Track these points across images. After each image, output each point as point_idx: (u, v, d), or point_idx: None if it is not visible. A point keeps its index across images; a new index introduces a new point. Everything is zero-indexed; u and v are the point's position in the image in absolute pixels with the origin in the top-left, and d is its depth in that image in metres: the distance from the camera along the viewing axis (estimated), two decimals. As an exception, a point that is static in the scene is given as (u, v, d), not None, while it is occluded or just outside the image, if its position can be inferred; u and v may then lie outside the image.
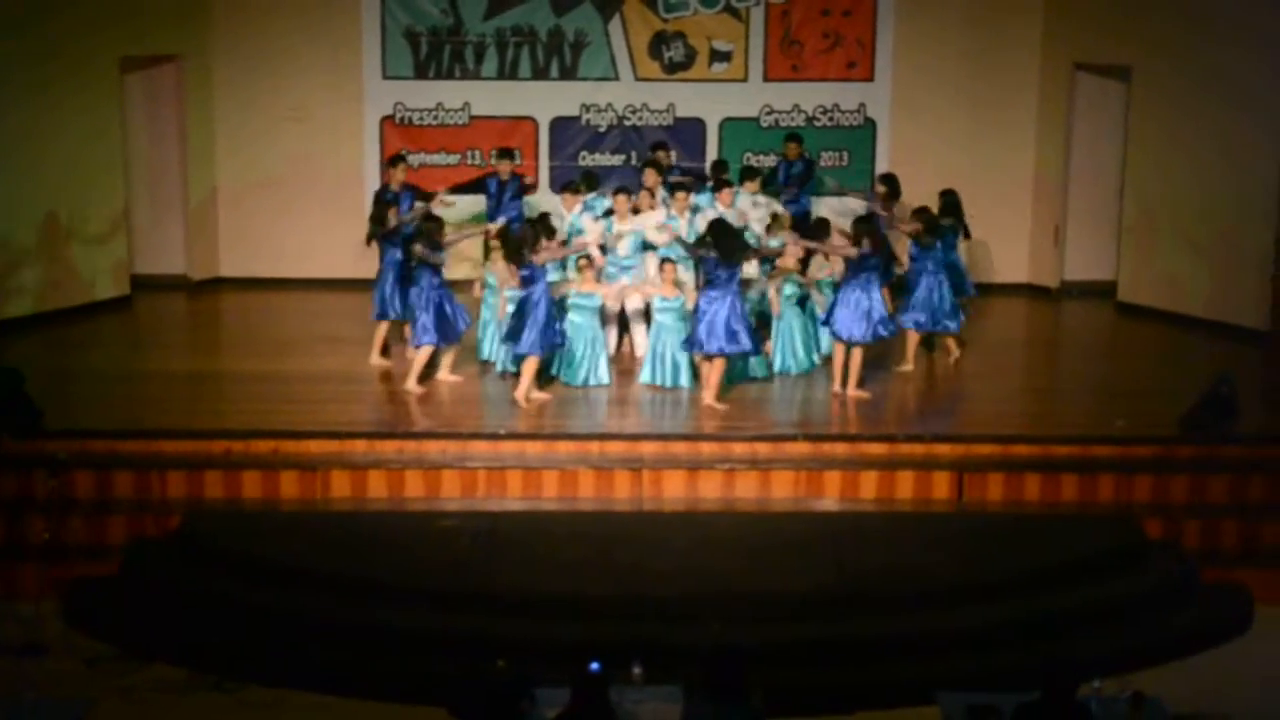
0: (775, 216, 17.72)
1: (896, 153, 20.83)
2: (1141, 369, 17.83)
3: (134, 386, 16.54)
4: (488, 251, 17.69)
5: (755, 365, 16.42)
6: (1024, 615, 12.65)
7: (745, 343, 15.46)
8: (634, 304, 17.04)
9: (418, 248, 15.80)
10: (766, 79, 20.97)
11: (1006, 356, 18.38)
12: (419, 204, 17.27)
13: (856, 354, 15.86)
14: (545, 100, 20.99)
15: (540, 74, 20.93)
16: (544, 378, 15.94)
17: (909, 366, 16.93)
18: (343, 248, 19.51)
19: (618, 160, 20.68)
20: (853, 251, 15.68)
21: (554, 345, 15.62)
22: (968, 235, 18.02)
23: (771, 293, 16.57)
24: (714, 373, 15.56)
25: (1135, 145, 19.90)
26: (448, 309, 15.88)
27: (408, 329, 16.33)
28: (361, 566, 12.91)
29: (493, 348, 16.66)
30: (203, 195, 20.97)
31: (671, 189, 17.41)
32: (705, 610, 12.32)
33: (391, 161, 18.06)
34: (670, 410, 15.73)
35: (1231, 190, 18.72)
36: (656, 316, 16.28)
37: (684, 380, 16.09)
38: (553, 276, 16.09)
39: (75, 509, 14.11)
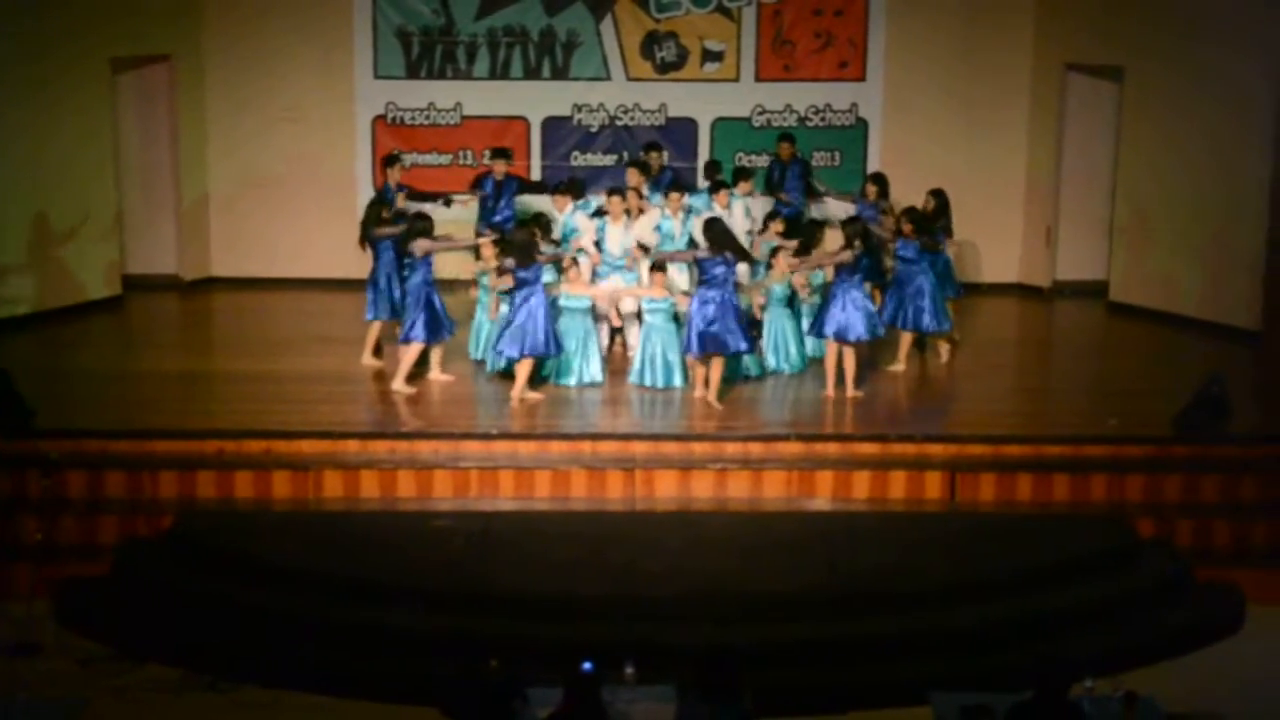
0: (769, 216, 17.78)
1: (888, 153, 20.84)
2: (1133, 369, 17.85)
3: (126, 386, 16.53)
4: (477, 254, 17.66)
5: (748, 363, 16.43)
6: (1017, 615, 12.66)
7: (743, 342, 15.50)
8: (627, 306, 17.05)
9: (424, 242, 15.80)
10: (758, 79, 20.98)
11: (998, 356, 18.40)
12: (410, 204, 17.23)
13: (851, 354, 15.88)
14: (537, 100, 20.99)
15: (532, 74, 20.93)
16: (536, 380, 15.91)
17: (901, 366, 16.94)
18: (335, 248, 19.48)
19: (610, 160, 20.68)
20: (848, 255, 15.68)
21: (547, 350, 15.60)
22: (950, 234, 18.01)
23: (756, 297, 16.57)
24: (713, 371, 15.57)
25: (1127, 145, 19.92)
26: (438, 307, 15.88)
27: (399, 329, 16.31)
28: (354, 566, 12.90)
29: (483, 348, 16.66)
30: (195, 195, 20.96)
31: (666, 190, 17.41)
32: (698, 610, 12.33)
33: (388, 161, 18.05)
34: (662, 410, 15.73)
35: (1223, 190, 18.75)
36: (646, 317, 16.28)
37: (675, 380, 16.09)
38: (547, 278, 16.08)
39: (67, 509, 14.10)
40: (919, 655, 12.19)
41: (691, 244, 16.60)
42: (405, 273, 15.92)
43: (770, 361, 16.67)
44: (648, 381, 16.13)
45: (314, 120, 20.89)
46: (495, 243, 16.63)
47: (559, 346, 15.73)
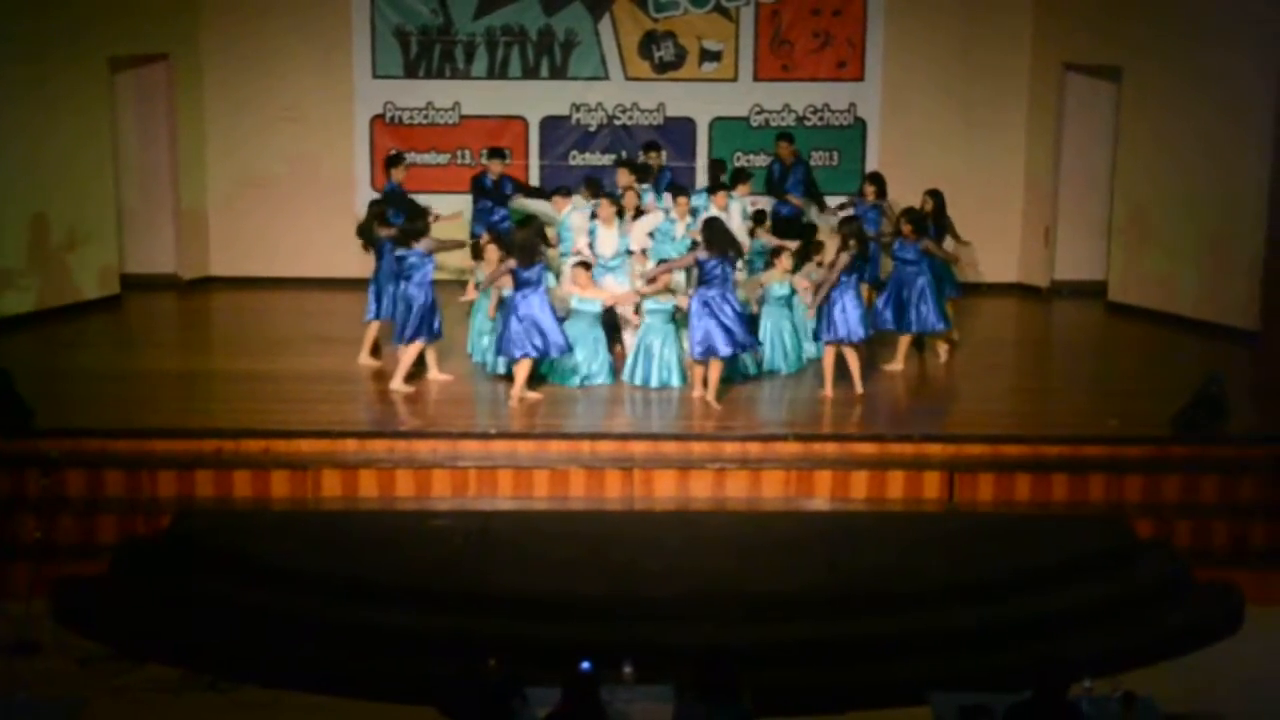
0: (757, 217, 17.80)
1: (886, 153, 20.85)
2: (1132, 369, 17.86)
3: (125, 385, 16.52)
4: (476, 253, 17.67)
5: (746, 362, 16.43)
6: (1015, 615, 12.67)
7: (743, 342, 15.52)
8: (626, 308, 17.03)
9: (426, 241, 15.81)
10: (756, 79, 20.99)
11: (997, 356, 18.41)
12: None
13: (854, 354, 15.89)
14: (535, 100, 21.00)
15: (530, 73, 20.94)
16: (535, 380, 15.90)
17: (899, 366, 16.94)
18: (334, 247, 19.50)
19: (608, 160, 20.65)
20: (845, 258, 15.67)
21: (560, 349, 15.61)
22: (959, 238, 18.00)
23: (754, 291, 16.60)
24: (712, 371, 15.58)
25: (1126, 145, 19.92)
26: (436, 306, 15.89)
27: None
28: (352, 566, 12.90)
29: (485, 348, 16.66)
30: (193, 194, 20.96)
31: (674, 192, 17.37)
32: (696, 610, 12.34)
33: (392, 161, 18.08)
34: (661, 410, 15.73)
35: (1221, 190, 18.75)
36: (646, 317, 16.27)
37: (674, 380, 16.10)
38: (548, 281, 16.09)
39: (66, 508, 14.09)
40: (918, 655, 12.19)
41: (691, 245, 16.59)
42: (408, 272, 15.86)
43: (767, 361, 16.68)
44: (640, 380, 16.13)
45: (313, 119, 20.89)
46: (494, 241, 16.64)
47: (568, 346, 15.74)
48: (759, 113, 21.01)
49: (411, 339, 15.87)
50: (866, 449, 14.86)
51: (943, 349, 17.45)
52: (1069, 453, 14.79)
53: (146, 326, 19.61)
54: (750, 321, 16.32)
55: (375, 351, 16.92)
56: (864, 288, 16.90)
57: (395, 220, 16.50)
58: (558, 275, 16.79)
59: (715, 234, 15.52)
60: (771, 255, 16.79)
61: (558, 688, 9.56)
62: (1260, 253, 18.07)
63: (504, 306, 15.81)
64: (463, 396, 16.10)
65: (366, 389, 16.32)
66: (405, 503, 14.36)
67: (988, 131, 20.93)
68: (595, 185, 17.78)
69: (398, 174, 17.82)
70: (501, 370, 16.08)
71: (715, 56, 20.95)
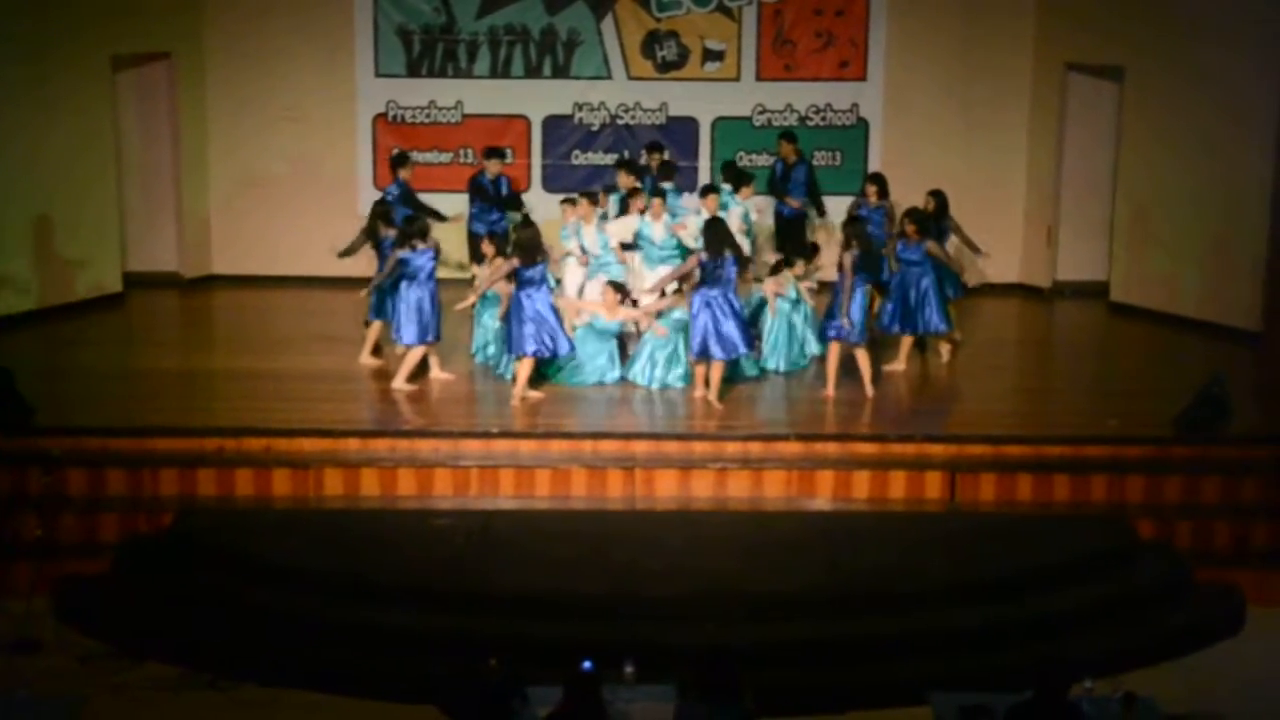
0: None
1: (889, 153, 20.84)
2: (1133, 369, 17.85)
3: (127, 384, 16.54)
4: (474, 254, 17.71)
5: (745, 364, 16.43)
6: (1016, 615, 12.67)
7: (743, 344, 15.51)
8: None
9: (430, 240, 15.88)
10: (759, 78, 20.99)
11: (999, 356, 18.40)
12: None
13: (865, 354, 15.88)
14: (538, 99, 21.00)
15: (533, 72, 20.94)
16: (537, 379, 15.90)
17: (901, 366, 16.93)
18: (336, 246, 19.43)
19: (610, 159, 20.64)
20: (848, 258, 15.65)
21: (566, 349, 15.62)
22: (973, 245, 17.96)
23: (770, 299, 16.61)
24: (714, 371, 15.58)
25: (1127, 145, 19.92)
26: (437, 307, 15.88)
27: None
28: (354, 565, 12.90)
29: (493, 349, 16.66)
30: (195, 193, 20.97)
31: (704, 192, 17.34)
32: (698, 609, 12.34)
33: (399, 161, 18.09)
34: (663, 409, 15.74)
35: (1223, 190, 18.74)
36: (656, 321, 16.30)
37: (676, 380, 16.09)
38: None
39: (68, 506, 14.10)
40: (919, 655, 12.20)
41: (677, 246, 16.63)
42: (412, 273, 15.82)
43: (769, 361, 16.69)
44: (644, 380, 16.13)
45: (315, 118, 20.90)
46: (491, 242, 16.65)
47: (571, 345, 15.74)
48: (761, 112, 21.01)
49: (412, 342, 15.85)
50: (868, 449, 14.86)
51: (945, 349, 17.44)
52: (1071, 453, 14.79)
53: (148, 325, 19.62)
54: (752, 321, 16.34)
55: (377, 351, 16.92)
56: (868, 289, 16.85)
57: (399, 220, 16.52)
58: (559, 280, 16.79)
59: (715, 234, 15.51)
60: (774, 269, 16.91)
61: (559, 687, 9.55)
62: (1263, 253, 18.06)
63: (510, 306, 15.80)
64: (464, 396, 16.11)
65: (368, 388, 16.32)
66: (407, 502, 14.36)
67: (990, 131, 20.93)
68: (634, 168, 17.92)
69: (405, 173, 17.85)
70: (508, 373, 16.05)
71: (718, 56, 20.95)
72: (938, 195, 17.54)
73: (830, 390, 15.94)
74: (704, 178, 20.37)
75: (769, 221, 19.69)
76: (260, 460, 14.49)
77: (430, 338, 15.89)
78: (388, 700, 11.77)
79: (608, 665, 9.94)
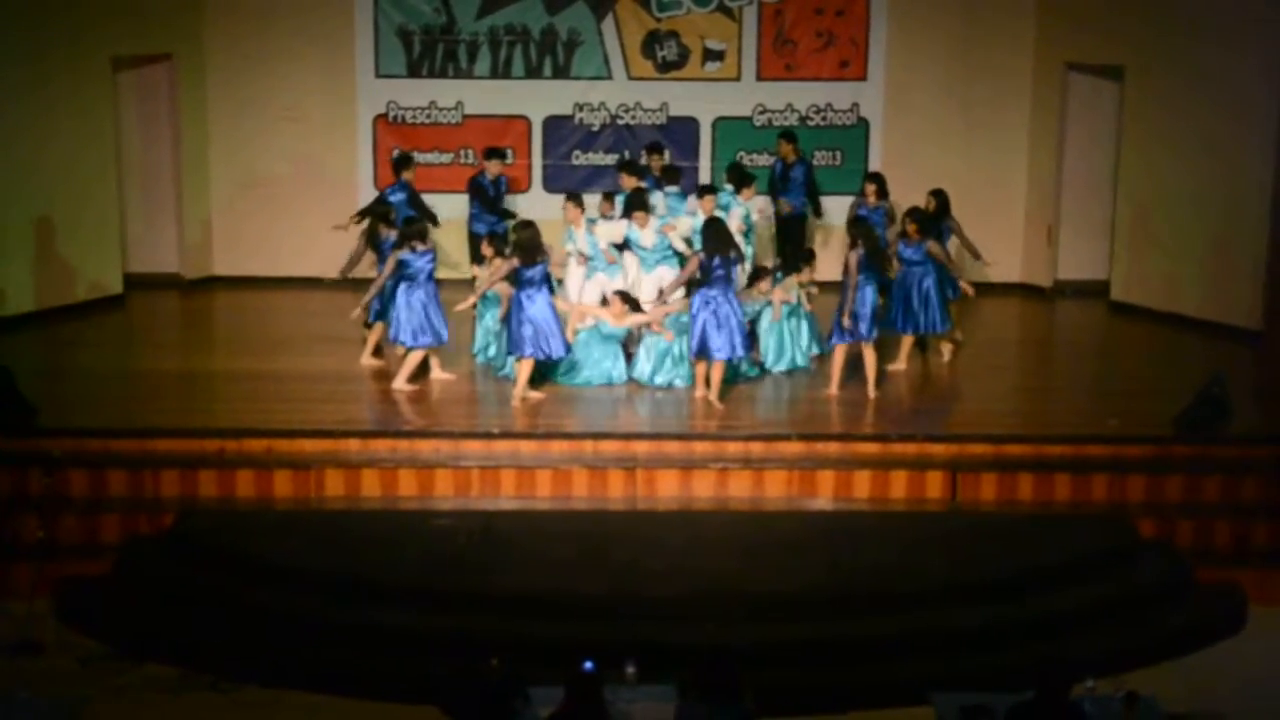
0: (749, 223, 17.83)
1: (889, 153, 20.85)
2: (1134, 368, 17.85)
3: (128, 385, 16.54)
4: (475, 255, 17.71)
5: (745, 366, 16.41)
6: (1018, 615, 12.67)
7: (741, 346, 15.52)
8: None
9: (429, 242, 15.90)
10: (760, 78, 20.99)
11: (1000, 356, 18.40)
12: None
13: (871, 356, 15.87)
14: (538, 99, 21.00)
15: (533, 73, 20.94)
16: (538, 379, 15.89)
17: (901, 366, 16.93)
18: (337, 247, 19.42)
19: (611, 160, 20.66)
20: (854, 257, 15.66)
21: (561, 351, 15.62)
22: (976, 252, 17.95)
23: (775, 305, 16.61)
24: (715, 371, 15.58)
25: (1128, 145, 19.92)
26: (438, 309, 15.89)
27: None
28: (355, 565, 12.90)
29: (493, 349, 16.66)
30: (196, 194, 20.97)
31: (701, 192, 17.34)
32: (699, 610, 12.33)
33: (403, 162, 18.11)
34: (664, 409, 15.73)
35: (1224, 190, 18.75)
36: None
37: (678, 380, 16.09)
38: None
39: (69, 507, 14.10)
40: (920, 655, 12.19)
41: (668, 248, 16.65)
42: (411, 274, 15.80)
43: (770, 361, 16.69)
44: (647, 379, 16.13)
45: (315, 119, 20.91)
46: (491, 243, 16.64)
47: (567, 347, 15.74)
48: (762, 112, 21.01)
49: (410, 343, 15.84)
50: (869, 449, 14.86)
51: (946, 349, 17.44)
52: (1072, 453, 14.79)
53: (149, 326, 19.62)
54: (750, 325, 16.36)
55: (378, 352, 16.92)
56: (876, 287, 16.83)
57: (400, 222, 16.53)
58: (561, 281, 16.79)
59: (714, 234, 15.50)
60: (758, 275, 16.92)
61: (560, 687, 9.55)
62: (1263, 252, 18.06)
63: (510, 306, 15.80)
64: (465, 396, 16.11)
65: (369, 388, 16.32)
66: (408, 502, 14.36)
67: (990, 131, 20.93)
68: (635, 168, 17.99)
69: (408, 174, 17.87)
70: (512, 373, 16.05)
71: (718, 56, 20.95)
72: (939, 195, 17.53)
73: (834, 389, 15.93)
74: (704, 178, 20.36)
75: (770, 222, 19.67)
76: (261, 461, 14.49)
77: (430, 340, 15.86)
78: (389, 701, 11.77)
79: (609, 665, 9.94)
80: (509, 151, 20.07)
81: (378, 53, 20.89)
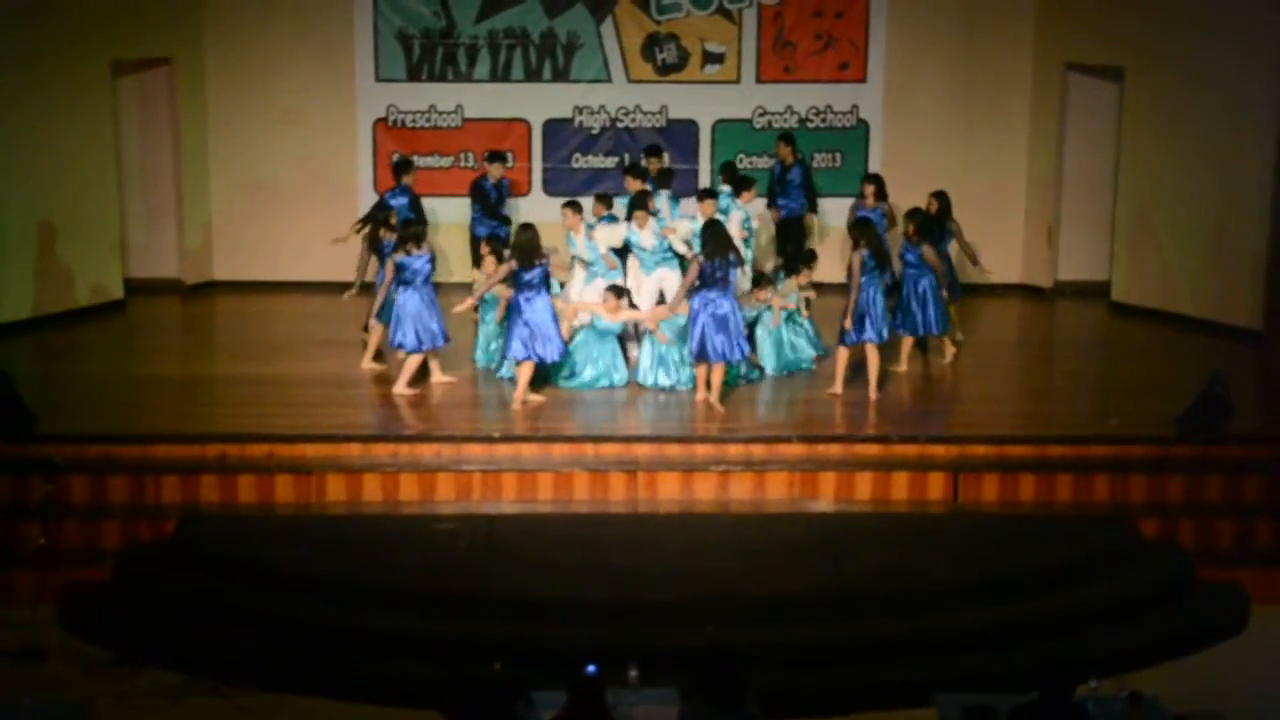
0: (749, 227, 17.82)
1: (889, 154, 20.84)
2: (1136, 369, 17.85)
3: (128, 391, 16.54)
4: (475, 258, 17.70)
5: (744, 369, 16.40)
6: (1020, 615, 12.68)
7: (740, 349, 15.52)
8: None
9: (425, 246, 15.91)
10: (759, 80, 20.98)
11: (1001, 357, 18.39)
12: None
13: (875, 355, 15.85)
14: (538, 102, 20.99)
15: (533, 76, 20.93)
16: (538, 382, 15.89)
17: (902, 367, 16.93)
18: (337, 251, 19.45)
19: (611, 163, 20.66)
20: (857, 258, 15.65)
21: (558, 354, 15.61)
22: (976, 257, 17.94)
23: (775, 310, 16.61)
24: (715, 374, 15.58)
25: (1128, 145, 19.92)
26: (436, 312, 15.89)
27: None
28: (356, 570, 12.90)
29: (491, 352, 16.66)
30: (196, 198, 20.95)
31: (701, 196, 17.32)
32: (701, 612, 12.33)
33: (403, 166, 18.10)
34: (665, 412, 15.73)
35: (1224, 190, 18.74)
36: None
37: (679, 382, 16.09)
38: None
39: (70, 513, 14.09)
40: (922, 656, 12.20)
41: (667, 250, 16.64)
42: (408, 278, 15.81)
43: (771, 363, 16.69)
44: (649, 382, 16.13)
45: (315, 123, 20.89)
46: (490, 246, 16.64)
47: (564, 350, 15.74)
48: (762, 115, 21.00)
49: (408, 346, 15.83)
50: (871, 450, 14.86)
51: (948, 350, 17.43)
52: (1073, 453, 14.80)
53: (150, 331, 19.60)
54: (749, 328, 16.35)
55: (379, 356, 16.91)
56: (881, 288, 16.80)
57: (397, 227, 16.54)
58: (562, 284, 16.79)
59: (713, 237, 15.50)
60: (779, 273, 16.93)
61: (563, 691, 9.55)
62: (1263, 252, 18.08)
63: (509, 309, 15.80)
64: (466, 400, 16.10)
65: (370, 393, 16.31)
66: (409, 507, 14.36)
67: (990, 132, 20.92)
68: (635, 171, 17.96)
69: (409, 179, 17.87)
70: (510, 375, 16.05)
71: (718, 59, 20.94)
72: (940, 196, 17.54)
73: (838, 388, 15.92)
74: (704, 181, 20.36)
75: (770, 225, 19.67)
76: (263, 466, 14.48)
77: (426, 343, 15.85)
78: (391, 706, 11.77)
79: (611, 669, 9.95)
80: (510, 155, 20.06)
81: (377, 57, 20.87)
